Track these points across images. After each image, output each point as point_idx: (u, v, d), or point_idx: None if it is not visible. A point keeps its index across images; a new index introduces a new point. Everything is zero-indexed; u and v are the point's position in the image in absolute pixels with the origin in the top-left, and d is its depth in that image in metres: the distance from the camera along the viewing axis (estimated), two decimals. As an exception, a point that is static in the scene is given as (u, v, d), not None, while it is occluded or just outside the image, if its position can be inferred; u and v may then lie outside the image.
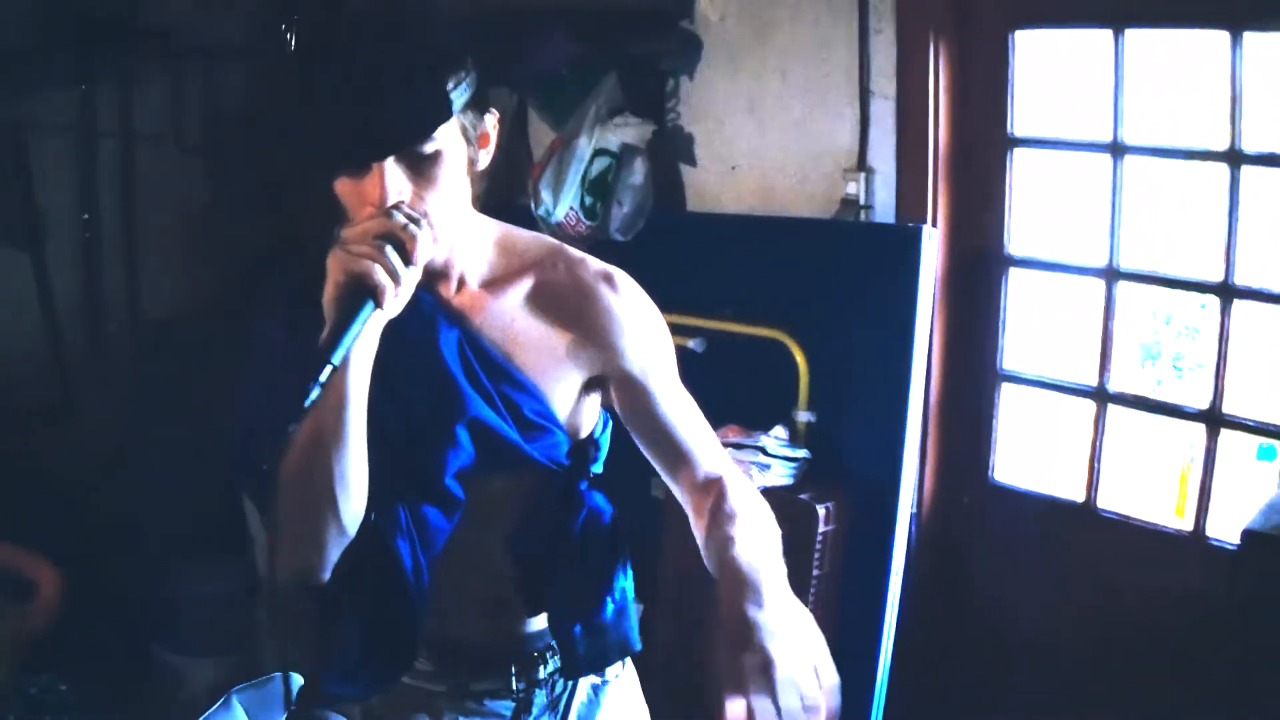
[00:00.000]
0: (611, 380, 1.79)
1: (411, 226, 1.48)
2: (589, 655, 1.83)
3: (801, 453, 3.20)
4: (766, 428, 3.22)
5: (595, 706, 1.93)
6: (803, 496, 3.11)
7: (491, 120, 1.65)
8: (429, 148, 1.52)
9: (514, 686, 1.86)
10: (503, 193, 3.90)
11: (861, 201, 3.25)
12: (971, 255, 3.23)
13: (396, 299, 1.49)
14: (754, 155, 3.52)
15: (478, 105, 1.60)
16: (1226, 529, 2.87)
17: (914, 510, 3.25)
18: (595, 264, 1.79)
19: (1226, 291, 2.85)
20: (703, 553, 1.68)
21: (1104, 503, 3.12)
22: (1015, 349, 3.26)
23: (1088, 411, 3.13)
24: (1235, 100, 2.76)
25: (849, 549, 3.17)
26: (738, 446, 3.11)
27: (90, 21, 4.18)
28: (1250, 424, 2.89)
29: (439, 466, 1.67)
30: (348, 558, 1.62)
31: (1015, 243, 3.20)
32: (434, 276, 1.69)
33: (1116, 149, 2.98)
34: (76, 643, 3.68)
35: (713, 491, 1.75)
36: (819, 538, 3.08)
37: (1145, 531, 3.05)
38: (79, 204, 4.41)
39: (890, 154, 3.22)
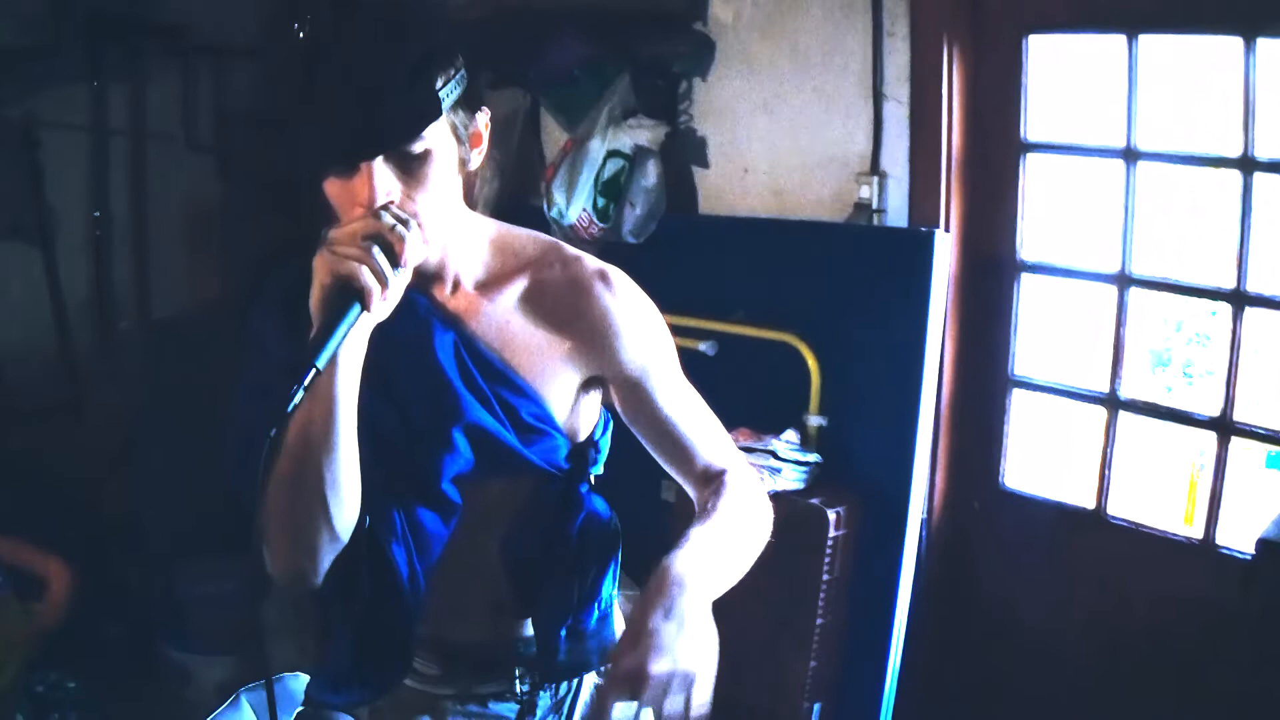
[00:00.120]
0: (610, 380, 1.77)
1: (400, 228, 1.46)
2: (569, 660, 1.81)
3: (812, 457, 3.20)
4: (778, 431, 3.22)
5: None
6: (814, 501, 3.11)
7: (483, 119, 1.63)
8: (418, 147, 1.50)
9: (518, 689, 1.84)
10: (516, 194, 3.90)
11: (874, 205, 3.25)
12: (984, 260, 3.23)
13: (384, 302, 1.46)
14: (767, 158, 3.52)
15: (469, 104, 1.58)
16: (1236, 536, 2.87)
17: (924, 515, 3.25)
18: (591, 263, 1.76)
19: (1239, 298, 2.85)
20: None
21: (1114, 509, 3.11)
22: (1027, 354, 3.25)
23: (1098, 418, 3.12)
24: (1249, 107, 2.76)
25: (859, 553, 3.17)
26: (749, 450, 3.10)
27: (101, 18, 4.19)
28: (1261, 432, 2.88)
29: (435, 472, 1.65)
30: (343, 563, 1.61)
31: (1027, 248, 3.19)
32: (428, 278, 1.67)
33: (1129, 155, 2.98)
34: (84, 640, 3.68)
35: (711, 487, 1.75)
36: (829, 542, 3.08)
37: (1155, 538, 3.04)
38: (89, 201, 4.42)
39: (903, 158, 3.22)
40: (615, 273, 1.76)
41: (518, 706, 1.85)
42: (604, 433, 1.88)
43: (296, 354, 1.43)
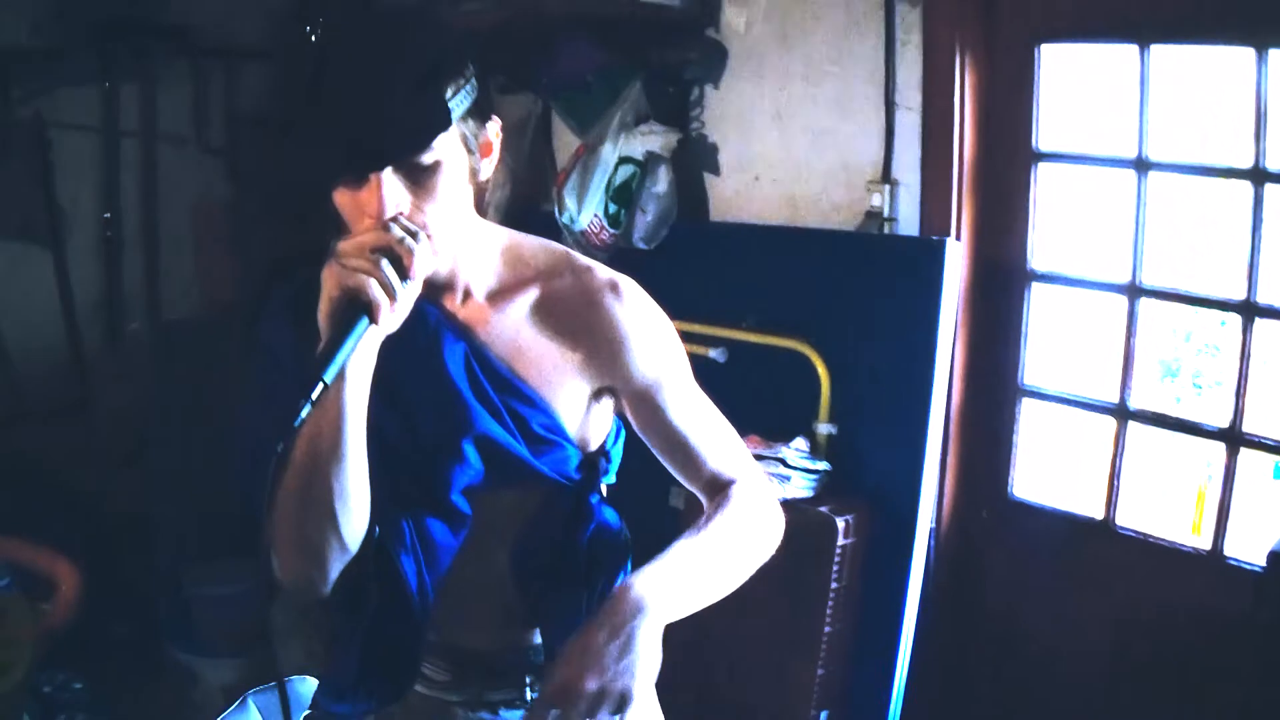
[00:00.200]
0: (619, 392, 1.76)
1: (409, 240, 1.44)
2: None
3: (822, 465, 3.20)
4: (787, 439, 3.22)
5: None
6: (823, 509, 3.11)
7: (494, 128, 1.61)
8: (427, 158, 1.48)
9: (528, 696, 1.83)
10: (527, 199, 3.91)
11: (885, 214, 3.24)
12: (994, 269, 3.23)
13: (393, 315, 1.45)
14: (778, 165, 3.52)
15: (479, 113, 1.56)
16: (1244, 548, 2.86)
17: (933, 524, 3.25)
18: (602, 273, 1.74)
19: (1249, 310, 2.84)
20: None
21: (1122, 520, 3.11)
22: (1036, 364, 3.25)
23: (1108, 428, 3.12)
24: (1260, 118, 2.75)
25: (868, 562, 3.18)
26: (758, 458, 3.10)
27: (113, 20, 4.19)
28: (1270, 443, 2.88)
29: (445, 483, 1.64)
30: (352, 572, 1.61)
31: (1038, 257, 3.19)
32: (439, 288, 1.66)
33: (1141, 165, 2.97)
34: (91, 641, 3.68)
35: (717, 498, 1.75)
36: (838, 550, 3.08)
37: (1163, 549, 3.03)
38: (100, 203, 4.43)
39: (915, 166, 3.22)
40: (626, 283, 1.74)
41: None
42: (616, 441, 1.86)
43: (305, 364, 1.42)
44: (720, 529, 1.69)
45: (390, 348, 1.52)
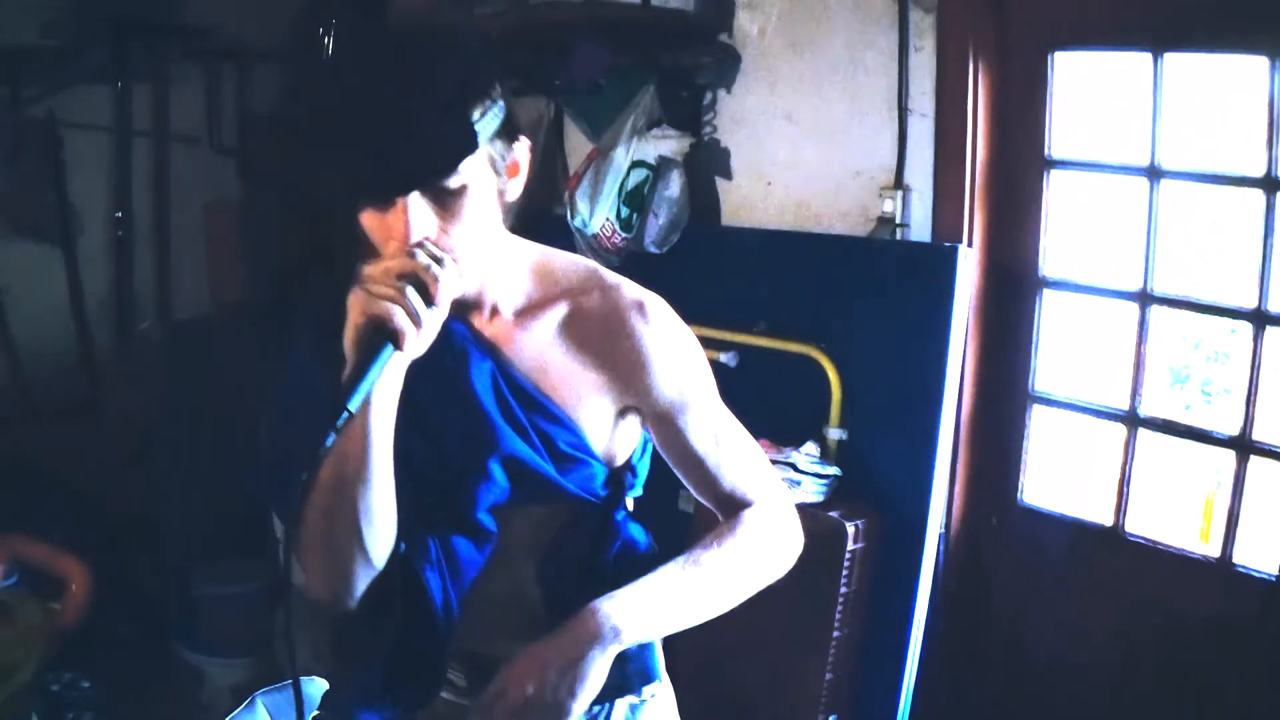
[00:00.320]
0: (642, 411, 1.76)
1: (435, 267, 1.43)
2: (608, 684, 1.73)
3: (832, 470, 3.21)
4: (798, 444, 3.22)
5: None
6: (832, 514, 3.11)
7: (521, 149, 1.60)
8: (454, 181, 1.48)
9: None
10: (539, 202, 3.91)
11: (897, 219, 3.24)
12: (1006, 276, 3.22)
13: (418, 341, 1.45)
14: (790, 170, 3.52)
15: (506, 134, 1.55)
16: (1253, 556, 2.86)
17: (942, 530, 3.25)
18: (630, 291, 1.73)
19: (1259, 318, 2.84)
20: None
21: (1131, 527, 3.10)
22: (1047, 370, 3.24)
23: (1118, 435, 3.12)
24: (1272, 126, 2.74)
25: (878, 567, 3.17)
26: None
27: (125, 20, 4.20)
28: (1280, 451, 2.88)
29: (471, 500, 1.64)
30: (377, 587, 1.61)
31: (1050, 264, 3.19)
32: (466, 306, 1.66)
33: (1153, 172, 2.97)
34: (100, 640, 3.69)
35: (730, 520, 1.77)
36: (848, 555, 3.08)
37: (1172, 557, 3.03)
38: (111, 202, 4.44)
39: (927, 172, 3.22)
40: (653, 302, 1.73)
41: None
42: (643, 456, 1.86)
43: (331, 385, 1.43)
44: (716, 558, 1.70)
45: (417, 367, 1.52)
